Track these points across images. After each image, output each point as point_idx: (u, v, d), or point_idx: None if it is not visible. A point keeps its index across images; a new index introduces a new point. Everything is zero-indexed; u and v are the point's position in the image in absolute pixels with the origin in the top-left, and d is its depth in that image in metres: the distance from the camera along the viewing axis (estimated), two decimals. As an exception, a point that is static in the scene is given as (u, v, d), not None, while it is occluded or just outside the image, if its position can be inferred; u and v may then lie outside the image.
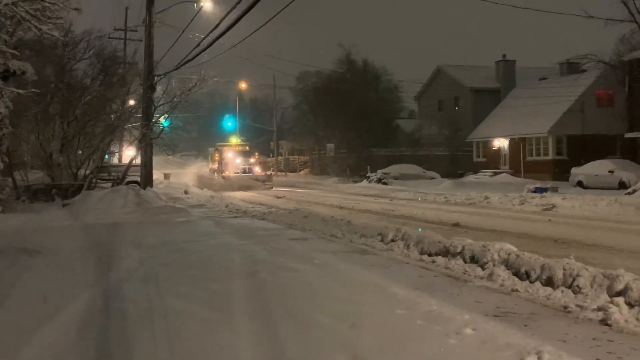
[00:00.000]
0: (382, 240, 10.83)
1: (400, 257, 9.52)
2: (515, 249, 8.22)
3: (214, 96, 56.38)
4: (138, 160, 23.17)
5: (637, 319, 5.56)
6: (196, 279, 7.64)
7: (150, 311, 6.09)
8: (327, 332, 5.22)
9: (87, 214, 16.53)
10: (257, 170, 37.23)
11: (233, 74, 56.21)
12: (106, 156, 31.41)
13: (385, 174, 38.25)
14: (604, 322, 5.60)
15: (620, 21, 23.94)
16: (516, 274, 7.49)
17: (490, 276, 7.63)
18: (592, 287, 6.45)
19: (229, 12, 14.90)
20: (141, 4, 22.10)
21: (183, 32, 20.71)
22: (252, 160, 38.44)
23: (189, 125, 56.73)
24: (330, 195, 28.61)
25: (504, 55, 48.17)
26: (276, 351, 4.80)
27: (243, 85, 55.67)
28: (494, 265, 7.92)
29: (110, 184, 23.63)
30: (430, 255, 9.30)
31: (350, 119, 48.33)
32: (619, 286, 6.14)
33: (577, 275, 6.67)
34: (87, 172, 22.19)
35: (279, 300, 6.42)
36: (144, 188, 20.69)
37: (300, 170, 62.17)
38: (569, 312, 6.03)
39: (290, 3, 12.60)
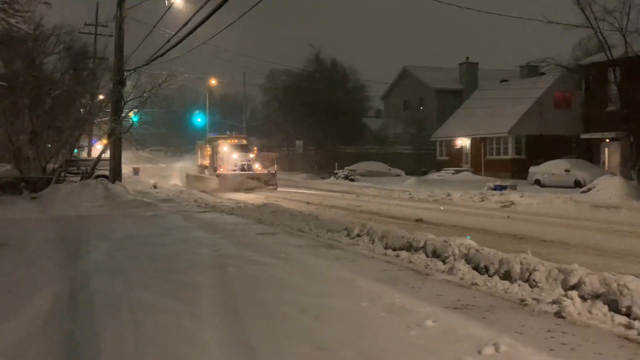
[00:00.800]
0: (348, 235, 10.84)
1: (365, 252, 9.54)
2: (475, 244, 8.30)
3: (184, 92, 55.68)
4: (107, 155, 22.84)
5: (590, 312, 5.64)
6: (164, 272, 7.54)
7: (118, 303, 5.99)
8: (292, 323, 5.20)
9: (56, 207, 16.21)
10: (258, 167, 30.49)
11: (203, 70, 55.71)
12: (75, 150, 30.89)
13: (352, 170, 38.44)
14: (559, 314, 5.67)
15: (578, 27, 24.38)
16: (476, 268, 7.56)
17: (451, 270, 7.70)
18: (547, 281, 6.53)
19: (199, 9, 14.75)
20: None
21: (154, 28, 20.45)
22: (251, 155, 31.19)
23: (159, 120, 55.97)
24: (299, 191, 28.58)
25: (467, 58, 48.79)
26: (241, 341, 4.76)
27: (213, 82, 55.15)
28: (454, 259, 7.99)
29: (79, 178, 23.25)
30: (394, 249, 9.35)
31: (319, 116, 48.31)
32: (573, 280, 6.23)
33: (534, 270, 6.76)
34: (56, 165, 21.79)
35: (245, 292, 6.38)
36: (113, 182, 20.42)
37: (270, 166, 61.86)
38: (526, 304, 6.10)
39: (258, 2, 12.51)
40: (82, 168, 25.07)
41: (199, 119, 57.22)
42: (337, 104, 49.73)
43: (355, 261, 8.68)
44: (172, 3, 19.65)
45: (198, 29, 15.67)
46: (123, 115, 22.31)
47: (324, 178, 39.56)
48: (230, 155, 30.43)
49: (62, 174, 22.24)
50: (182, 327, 5.11)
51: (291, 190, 29.32)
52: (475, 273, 7.45)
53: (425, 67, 52.17)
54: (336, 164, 40.87)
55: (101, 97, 26.85)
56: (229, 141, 33.02)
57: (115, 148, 21.80)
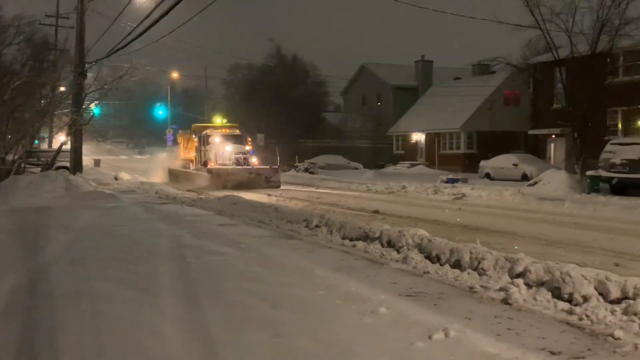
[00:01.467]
0: (307, 226, 10.84)
1: (323, 242, 9.56)
2: (427, 234, 8.40)
3: (146, 85, 54.72)
4: (68, 146, 22.32)
5: (535, 299, 5.78)
6: (123, 262, 7.41)
7: (77, 293, 5.86)
8: (250, 312, 5.17)
9: (15, 198, 15.77)
10: (255, 161, 25.07)
11: (166, 63, 54.88)
12: (36, 141, 30.06)
13: (312, 163, 38.48)
14: (505, 301, 5.80)
15: (527, 27, 24.80)
16: (428, 257, 7.67)
17: (404, 259, 7.78)
18: (495, 269, 6.66)
19: (160, 3, 14.48)
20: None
21: (115, 20, 20.04)
22: (247, 147, 26.15)
23: (120, 112, 54.91)
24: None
25: (423, 56, 49.28)
26: (200, 330, 4.72)
27: (175, 75, 54.37)
28: (408, 249, 8.07)
29: (39, 169, 22.63)
30: (351, 240, 9.39)
31: (280, 110, 48.10)
32: (519, 268, 6.38)
33: (482, 259, 6.89)
34: (16, 156, 21.19)
35: (204, 282, 6.32)
36: (74, 173, 19.97)
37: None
38: (475, 292, 6.22)
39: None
40: (42, 159, 24.44)
41: (160, 112, 56.36)
42: (298, 98, 49.69)
43: (313, 251, 8.69)
44: (134, -4, 19.26)
45: (160, 22, 15.41)
46: (84, 107, 21.84)
47: (285, 171, 39.47)
48: (222, 147, 25.02)
49: (22, 165, 21.65)
50: (142, 317, 5.03)
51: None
52: (428, 262, 7.55)
53: (382, 64, 52.48)
54: (297, 157, 40.82)
55: (62, 88, 26.20)
56: (219, 131, 27.32)
57: (76, 139, 21.34)
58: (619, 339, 4.62)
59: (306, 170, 36.30)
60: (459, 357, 4.07)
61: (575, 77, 24.86)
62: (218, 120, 30.73)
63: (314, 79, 55.18)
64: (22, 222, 11.58)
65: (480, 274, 6.72)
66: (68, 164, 21.61)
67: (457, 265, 7.15)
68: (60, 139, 28.63)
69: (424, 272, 7.17)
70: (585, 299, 5.46)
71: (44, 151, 28.24)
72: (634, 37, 22.99)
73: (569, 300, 5.55)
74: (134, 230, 10.51)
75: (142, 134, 78.74)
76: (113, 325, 4.85)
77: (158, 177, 29.22)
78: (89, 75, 22.46)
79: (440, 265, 7.34)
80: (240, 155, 24.66)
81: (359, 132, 49.50)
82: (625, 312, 5.07)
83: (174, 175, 28.41)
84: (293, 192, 21.72)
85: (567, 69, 25.36)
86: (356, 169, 39.90)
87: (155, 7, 15.17)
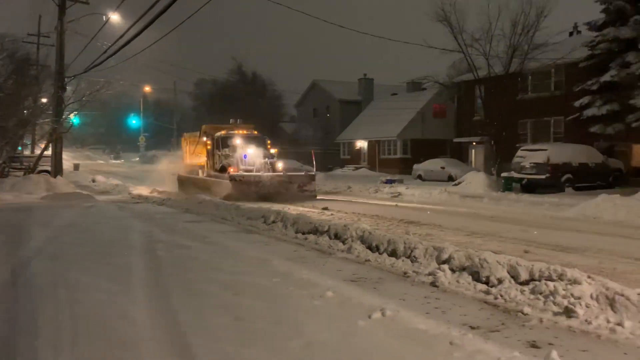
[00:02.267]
0: (265, 222, 10.77)
1: (279, 236, 9.51)
2: (369, 227, 8.47)
3: (121, 97, 53.27)
4: (49, 152, 21.51)
5: (458, 281, 5.90)
6: (99, 256, 7.18)
7: (56, 284, 5.65)
8: (214, 299, 5.10)
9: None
10: (280, 167, 18.88)
11: (139, 77, 53.52)
12: (19, 148, 28.84)
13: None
14: (434, 284, 5.90)
15: (451, 51, 25.39)
16: (369, 247, 7.71)
17: (349, 249, 7.82)
18: (425, 257, 6.75)
19: (133, 25, 14.14)
20: (54, 11, 20.49)
21: (91, 40, 19.45)
22: (272, 151, 20.03)
23: (98, 121, 53.28)
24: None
25: (365, 74, 49.69)
26: (168, 315, 4.62)
27: (147, 89, 53.10)
28: (352, 241, 8.12)
29: (22, 173, 21.70)
30: (303, 233, 9.38)
31: (243, 120, 47.60)
32: (445, 256, 6.49)
33: (414, 248, 6.99)
34: (0, 161, 20.26)
35: (173, 273, 6.20)
36: (54, 177, 19.26)
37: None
38: (408, 276, 6.29)
39: (186, 20, 12.18)
40: (25, 164, 23.44)
41: (134, 121, 54.93)
42: (258, 110, 49.29)
43: (270, 244, 8.64)
44: (109, 19, 18.75)
45: (134, 41, 15.02)
46: (63, 117, 21.10)
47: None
48: (244, 150, 18.82)
49: (6, 169, 20.73)
50: (115, 305, 4.89)
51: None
52: (369, 251, 7.60)
53: (331, 80, 52.62)
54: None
55: (44, 100, 25.24)
56: (237, 131, 20.73)
57: (57, 146, 20.58)
58: (527, 314, 4.77)
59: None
60: (393, 333, 4.11)
61: (492, 94, 25.56)
62: (232, 120, 23.00)
63: (271, 93, 54.92)
64: (6, 221, 11.09)
65: (412, 261, 6.80)
66: (49, 168, 20.82)
67: (393, 254, 7.23)
68: (42, 146, 27.55)
69: (366, 260, 7.22)
70: (500, 281, 5.60)
71: (27, 156, 27.06)
72: (540, 60, 23.81)
73: (486, 282, 5.67)
74: (109, 227, 10.21)
75: (118, 141, 76.61)
76: (88, 311, 4.70)
77: (164, 185, 22.58)
78: (68, 88, 21.79)
79: (379, 254, 7.40)
80: (266, 160, 18.36)
81: (311, 140, 49.49)
82: (533, 291, 5.23)
83: (184, 183, 21.88)
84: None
85: (485, 86, 26.04)
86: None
87: (128, 29, 14.81)
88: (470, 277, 5.91)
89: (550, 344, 4.03)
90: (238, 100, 49.29)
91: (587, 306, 4.73)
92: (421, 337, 4.00)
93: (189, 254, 7.32)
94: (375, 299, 5.07)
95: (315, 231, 9.18)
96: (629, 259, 7.41)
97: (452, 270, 6.18)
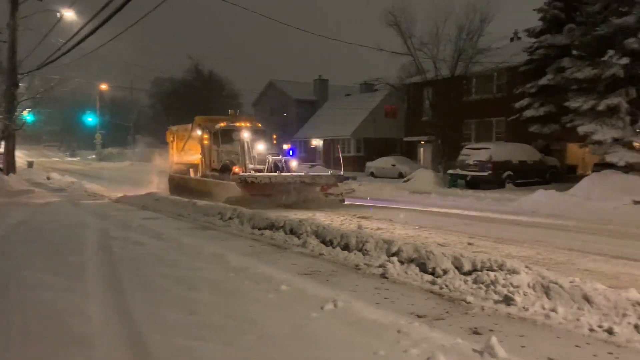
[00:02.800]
0: (221, 218, 10.63)
1: (236, 232, 9.40)
2: (323, 222, 8.51)
3: (76, 94, 51.36)
4: (2, 149, 20.52)
5: (406, 272, 5.99)
6: (52, 253, 6.88)
7: (6, 282, 5.38)
8: (169, 294, 4.98)
9: (-53, 197, 14.26)
10: (294, 165, 15.51)
11: (95, 75, 51.59)
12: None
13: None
14: (383, 275, 5.97)
15: (401, 54, 25.80)
16: (323, 241, 7.73)
17: (304, 244, 7.82)
18: (376, 250, 6.82)
19: (88, 22, 13.64)
20: (6, 7, 19.53)
21: (44, 37, 18.64)
22: (285, 146, 16.64)
23: (53, 119, 51.22)
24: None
25: (320, 75, 49.84)
26: (123, 311, 4.47)
27: (103, 87, 51.38)
28: (307, 235, 8.12)
29: (-28, 171, 20.59)
30: (259, 229, 9.31)
31: (240, 112, 46.98)
32: (394, 249, 6.58)
33: (366, 242, 7.05)
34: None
35: (128, 269, 6.01)
36: (7, 174, 18.38)
37: (154, 160, 59.16)
38: (360, 269, 6.34)
39: (141, 19, 11.84)
40: (-25, 162, 22.23)
41: (90, 119, 53.08)
42: (214, 108, 48.55)
43: (226, 240, 8.53)
44: (62, 16, 18.03)
45: (90, 38, 14.48)
46: (16, 114, 20.15)
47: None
48: (253, 146, 15.30)
49: (-45, 167, 19.64)
50: (68, 302, 4.70)
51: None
52: (323, 246, 7.61)
53: (287, 80, 52.43)
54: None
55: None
56: (237, 124, 16.88)
57: (9, 143, 19.67)
58: (470, 303, 4.89)
59: (222, 170, 35.53)
60: (345, 323, 4.12)
61: (439, 95, 26.13)
62: (230, 111, 19.33)
63: (228, 92, 54.24)
64: (-46, 220, 10.49)
65: (364, 254, 6.87)
66: (1, 166, 19.87)
67: (346, 247, 7.28)
68: None
69: (320, 254, 7.23)
70: (445, 271, 5.73)
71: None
72: (483, 64, 24.50)
73: (433, 273, 5.79)
74: (63, 224, 9.82)
75: (74, 139, 73.86)
76: (40, 309, 4.50)
77: (148, 186, 18.99)
78: (21, 85, 20.83)
79: (333, 248, 7.43)
80: (280, 158, 14.83)
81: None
82: (475, 281, 5.37)
83: (177, 185, 17.88)
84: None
85: (433, 88, 26.60)
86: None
87: (82, 27, 14.28)
88: (417, 268, 6.02)
89: (490, 330, 4.15)
90: (195, 98, 48.44)
91: (525, 294, 4.89)
92: (370, 327, 4.03)
93: (144, 251, 7.12)
94: (328, 291, 5.07)
95: (272, 227, 9.13)
96: (564, 250, 7.72)
97: (401, 262, 6.27)
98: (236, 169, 14.82)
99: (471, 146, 22.81)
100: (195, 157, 17.92)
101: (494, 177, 20.58)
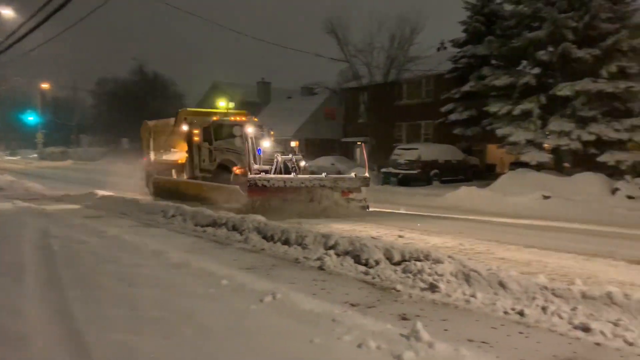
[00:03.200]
0: (164, 216, 10.31)
1: (179, 229, 9.14)
2: (264, 219, 8.42)
3: (16, 92, 48.27)
4: None
5: (342, 264, 6.04)
6: (-12, 254, 6.42)
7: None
8: (109, 291, 4.76)
9: None
10: (304, 164, 13.01)
11: (36, 74, 48.68)
12: None
13: (171, 163, 36.69)
14: (321, 267, 5.99)
15: (338, 60, 26.10)
16: (264, 237, 7.68)
17: (246, 240, 7.73)
18: (314, 243, 6.84)
19: (26, 21, 12.80)
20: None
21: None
22: (292, 144, 14.21)
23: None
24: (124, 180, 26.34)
25: (263, 78, 49.51)
26: (62, 310, 4.22)
27: (45, 86, 48.52)
28: (249, 231, 8.03)
29: None
30: (202, 226, 9.11)
31: (143, 118, 45.24)
32: (331, 242, 6.62)
33: (305, 236, 7.06)
34: None
35: (68, 267, 5.69)
36: (-61, 173, 16.91)
37: (98, 160, 56.65)
38: (299, 262, 6.34)
39: (83, 19, 11.26)
40: None
41: (30, 118, 49.98)
42: (159, 108, 47.07)
43: (169, 237, 8.28)
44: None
45: (26, 37, 13.59)
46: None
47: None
48: (257, 144, 12.37)
49: None
50: (6, 301, 4.39)
51: (117, 179, 20.77)
52: (264, 241, 7.56)
53: (231, 82, 51.71)
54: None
55: None
56: (232, 119, 14.37)
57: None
58: (399, 291, 5.00)
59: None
60: (283, 314, 4.10)
61: (373, 99, 26.61)
62: (222, 103, 15.97)
63: (173, 93, 52.71)
64: None
65: (303, 248, 6.88)
66: None
67: (286, 242, 7.26)
68: None
69: (261, 249, 7.17)
70: (377, 262, 5.83)
71: None
72: (413, 71, 25.18)
73: (366, 264, 5.88)
74: (0, 224, 9.17)
75: (13, 137, 69.32)
76: (-26, 311, 4.18)
77: (98, 186, 16.29)
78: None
79: (274, 243, 7.39)
80: (291, 157, 12.36)
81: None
82: (404, 271, 5.50)
83: (163, 188, 14.65)
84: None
85: (368, 93, 27.04)
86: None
87: (20, 26, 13.39)
88: (352, 260, 6.09)
89: (417, 315, 4.26)
90: (139, 99, 46.75)
91: (448, 282, 5.06)
92: (307, 316, 4.03)
93: (85, 249, 6.77)
94: (267, 284, 5.03)
95: (214, 224, 8.96)
96: (483, 240, 8.05)
97: (338, 255, 6.32)
98: (237, 169, 12.01)
99: (402, 147, 23.40)
100: (178, 155, 15.04)
101: (423, 175, 21.23)
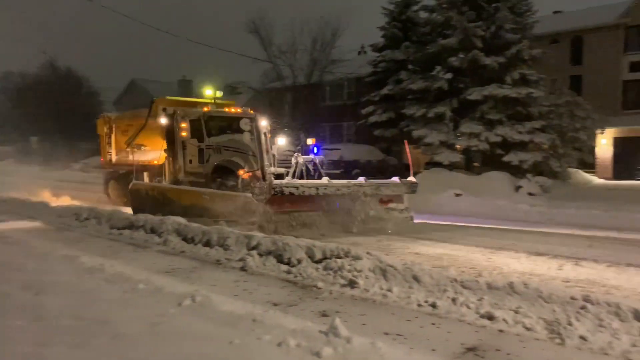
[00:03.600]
0: (77, 219, 9.70)
1: (93, 232, 8.64)
2: (184, 220, 8.19)
3: None
4: None
5: (264, 264, 6.02)
6: None
7: None
8: (13, 300, 4.39)
9: None
10: (321, 164, 10.42)
11: None
12: None
13: (85, 163, 34.70)
14: (243, 268, 5.93)
15: (263, 60, 25.99)
16: (185, 239, 7.48)
17: (165, 242, 7.47)
18: (237, 244, 6.77)
19: None
20: None
21: None
22: (310, 142, 10.65)
23: None
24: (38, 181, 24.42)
25: (184, 76, 48.12)
26: (-45, 325, 3.85)
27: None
28: (168, 234, 7.77)
29: None
30: (118, 229, 8.67)
31: (55, 115, 42.32)
32: (254, 242, 6.58)
33: (227, 237, 6.96)
34: None
35: (-36, 277, 5.19)
36: None
37: (3, 159, 52.09)
38: (221, 263, 6.22)
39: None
40: None
41: None
42: (72, 105, 44.19)
43: (82, 241, 7.79)
44: None
45: None
46: None
47: (59, 170, 34.85)
48: (271, 141, 11.18)
49: None
50: None
51: (37, 180, 17.94)
52: (185, 243, 7.36)
53: (151, 80, 49.68)
54: (72, 157, 36.44)
55: None
56: (228, 109, 12.03)
57: None
58: (320, 288, 5.07)
59: (81, 169, 32.56)
60: (202, 317, 4.01)
61: (297, 100, 26.74)
62: (208, 92, 12.37)
63: (87, 90, 49.67)
64: None
65: (225, 249, 6.77)
66: None
67: (207, 243, 7.10)
68: None
69: (181, 252, 6.97)
70: (299, 261, 5.87)
71: None
72: (335, 73, 25.63)
73: (288, 263, 5.90)
74: None
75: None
76: None
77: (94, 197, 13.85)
78: None
79: (195, 245, 7.21)
80: (313, 158, 10.37)
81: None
82: (325, 268, 5.58)
83: (146, 197, 10.70)
84: (68, 188, 15.27)
85: (292, 94, 27.14)
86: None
87: None
88: (275, 259, 6.08)
89: (337, 312, 4.33)
90: (50, 94, 43.58)
91: (367, 277, 5.21)
92: (228, 318, 3.97)
93: (-15, 257, 6.21)
94: (187, 287, 4.89)
95: (131, 226, 8.58)
96: (400, 236, 8.37)
97: (260, 255, 6.29)
98: (243, 173, 9.68)
99: (325, 147, 23.73)
100: (153, 155, 12.19)
101: (345, 175, 21.68)
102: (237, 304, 4.38)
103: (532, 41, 18.25)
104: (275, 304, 4.53)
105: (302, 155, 10.31)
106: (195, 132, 11.17)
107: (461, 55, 17.71)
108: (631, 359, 3.39)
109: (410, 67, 21.10)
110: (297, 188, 8.43)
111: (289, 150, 10.76)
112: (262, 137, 9.67)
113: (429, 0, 20.98)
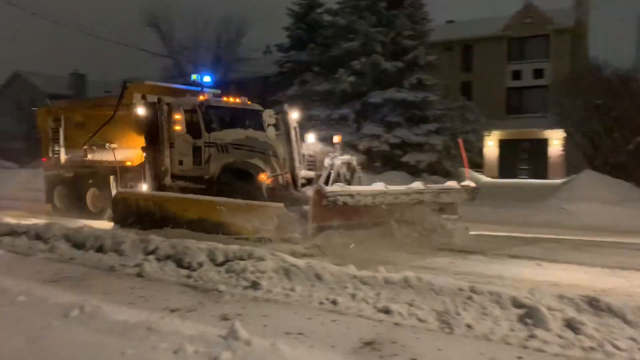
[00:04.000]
0: (-55, 226, 8.62)
1: (-36, 241, 7.73)
2: (74, 226, 7.63)
3: None
4: None
5: (162, 270, 5.76)
6: None
7: None
8: None
9: None
10: (342, 166, 8.27)
11: None
12: None
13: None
14: (139, 274, 5.64)
15: (163, 56, 24.99)
16: (75, 245, 6.96)
17: (52, 249, 6.89)
18: (133, 249, 6.42)
19: None
20: None
21: None
22: (335, 138, 8.85)
23: None
24: None
25: (77, 69, 44.79)
26: None
27: None
28: (55, 240, 7.18)
29: None
30: (-4, 236, 7.85)
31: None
32: (151, 247, 6.29)
33: (122, 242, 6.59)
34: None
35: None
36: None
37: None
38: (115, 270, 5.88)
39: None
40: None
41: None
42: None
43: (-50, 250, 6.94)
44: None
45: None
46: None
47: None
48: (302, 138, 8.78)
49: None
50: None
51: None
52: (74, 249, 6.85)
53: (38, 73, 45.52)
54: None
55: None
56: (226, 99, 10.45)
57: None
58: (222, 291, 4.96)
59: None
60: (91, 328, 3.73)
61: (201, 98, 26.00)
62: (197, 76, 10.35)
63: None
64: None
65: (120, 255, 6.40)
66: None
67: (100, 249, 6.67)
68: None
69: (70, 259, 6.48)
70: (200, 265, 5.70)
71: None
72: (240, 72, 25.34)
73: (189, 267, 5.70)
74: None
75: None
76: None
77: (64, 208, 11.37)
78: None
79: (85, 251, 6.74)
80: (349, 159, 8.58)
81: (14, 135, 41.81)
82: (227, 271, 5.48)
83: (137, 209, 8.63)
84: None
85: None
86: (10, 168, 33.64)
87: None
88: (174, 264, 5.86)
89: (238, 314, 4.26)
90: None
91: (270, 278, 5.19)
92: (120, 328, 3.74)
93: None
94: (76, 297, 4.54)
95: (12, 233, 7.81)
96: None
97: (158, 260, 6.03)
98: (263, 176, 8.09)
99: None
100: (124, 155, 10.15)
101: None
102: (131, 313, 4.15)
103: (428, 48, 19.44)
104: (172, 310, 4.35)
105: (339, 156, 8.36)
106: (189, 126, 9.32)
107: (363, 59, 18.38)
108: (509, 342, 3.72)
109: (315, 68, 21.47)
110: (351, 196, 6.90)
111: (329, 151, 8.70)
112: (292, 133, 8.13)
113: (333, 4, 21.50)
